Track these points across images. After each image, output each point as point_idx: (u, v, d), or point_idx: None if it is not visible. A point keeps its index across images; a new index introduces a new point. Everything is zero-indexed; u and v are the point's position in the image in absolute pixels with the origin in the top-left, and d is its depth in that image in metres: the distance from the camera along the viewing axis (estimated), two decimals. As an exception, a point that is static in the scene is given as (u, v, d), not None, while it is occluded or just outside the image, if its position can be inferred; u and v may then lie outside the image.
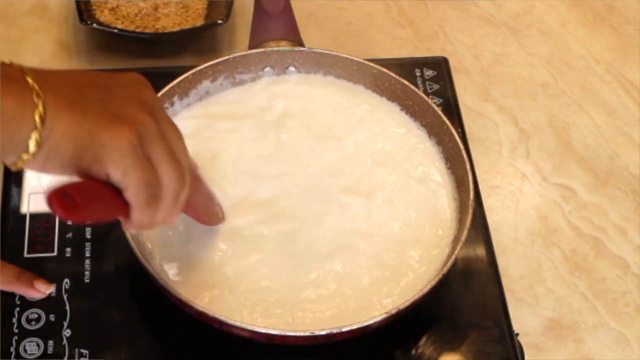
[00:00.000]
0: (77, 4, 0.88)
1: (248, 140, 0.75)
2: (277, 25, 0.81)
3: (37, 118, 0.45)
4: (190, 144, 0.56)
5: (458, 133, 0.73)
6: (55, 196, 0.47)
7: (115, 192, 0.50)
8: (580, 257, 0.81)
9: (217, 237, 0.68)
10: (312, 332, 0.62)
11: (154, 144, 0.50)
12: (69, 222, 0.48)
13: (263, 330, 0.61)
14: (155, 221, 0.53)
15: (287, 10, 0.83)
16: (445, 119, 0.73)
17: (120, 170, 0.48)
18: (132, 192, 0.49)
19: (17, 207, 0.73)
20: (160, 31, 0.90)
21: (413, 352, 0.69)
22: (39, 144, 0.45)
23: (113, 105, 0.49)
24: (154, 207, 0.51)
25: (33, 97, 0.45)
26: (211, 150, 0.73)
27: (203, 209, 0.66)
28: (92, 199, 0.49)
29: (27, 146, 0.45)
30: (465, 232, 0.66)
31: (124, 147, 0.48)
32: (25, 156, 0.46)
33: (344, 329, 0.61)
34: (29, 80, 0.46)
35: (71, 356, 0.66)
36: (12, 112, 0.44)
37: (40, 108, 0.45)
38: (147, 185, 0.50)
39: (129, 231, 0.53)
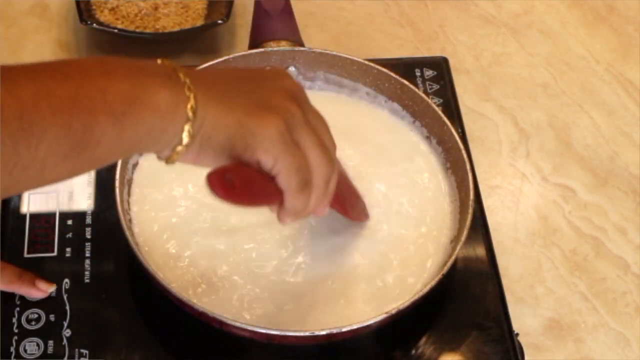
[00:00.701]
0: (77, 4, 0.88)
1: None
2: (277, 25, 0.81)
3: (189, 110, 0.47)
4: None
5: (458, 133, 0.73)
6: (216, 177, 0.48)
7: (268, 180, 0.51)
8: (580, 257, 0.81)
9: (216, 237, 0.68)
10: (312, 332, 0.62)
11: (301, 131, 0.51)
12: (227, 203, 0.49)
13: (263, 331, 0.61)
14: (308, 208, 0.53)
15: (287, 10, 0.83)
16: (445, 119, 0.73)
17: (272, 157, 0.49)
18: (284, 178, 0.51)
19: (17, 207, 0.73)
20: (160, 31, 0.90)
21: (413, 352, 0.69)
22: (192, 135, 0.47)
23: (259, 96, 0.51)
24: (306, 193, 0.52)
25: (185, 91, 0.47)
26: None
27: (350, 203, 0.67)
28: (248, 183, 0.50)
29: (181, 139, 0.47)
30: (465, 232, 0.66)
31: (273, 134, 0.49)
32: (179, 148, 0.48)
33: (344, 329, 0.61)
34: (181, 75, 0.47)
35: (71, 356, 0.66)
36: (166, 106, 0.46)
37: (192, 101, 0.47)
38: (298, 170, 0.51)
39: (285, 222, 0.54)
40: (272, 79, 0.53)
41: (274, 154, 0.49)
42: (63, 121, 0.42)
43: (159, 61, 0.49)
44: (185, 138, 0.47)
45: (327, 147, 0.53)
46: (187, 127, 0.47)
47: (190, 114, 0.47)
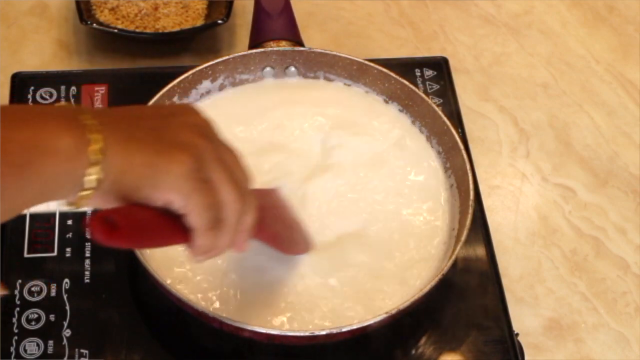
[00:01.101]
0: (77, 4, 0.88)
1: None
2: (277, 25, 0.81)
3: (94, 154, 0.45)
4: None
5: (458, 133, 0.73)
6: (96, 221, 0.47)
7: (172, 219, 0.50)
8: (580, 257, 0.81)
9: None
10: (312, 332, 0.62)
11: (212, 167, 0.50)
12: (112, 246, 0.47)
13: (263, 330, 0.61)
14: (220, 246, 0.52)
15: (287, 10, 0.83)
16: (445, 119, 0.73)
17: (182, 196, 0.48)
18: (195, 216, 0.49)
19: (17, 207, 0.73)
20: (160, 31, 0.90)
21: (413, 352, 0.69)
22: (99, 179, 0.46)
23: (168, 133, 0.49)
24: (217, 231, 0.51)
25: (88, 134, 0.45)
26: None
27: (283, 236, 0.65)
28: (139, 225, 0.49)
29: (88, 183, 0.46)
30: (465, 232, 0.66)
31: (183, 172, 0.48)
32: (85, 193, 0.46)
33: (344, 329, 0.61)
34: (83, 118, 0.46)
35: (71, 356, 0.66)
36: (68, 151, 0.44)
37: (98, 143, 0.45)
38: (209, 208, 0.50)
39: (197, 260, 0.52)
40: (180, 115, 0.52)
41: (184, 192, 0.48)
42: None
43: (62, 103, 0.47)
44: (93, 182, 0.46)
45: (239, 182, 0.52)
46: (94, 171, 0.45)
47: (95, 157, 0.45)
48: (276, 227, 0.63)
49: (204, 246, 0.51)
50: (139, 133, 0.48)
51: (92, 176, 0.45)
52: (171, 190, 0.48)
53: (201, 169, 0.49)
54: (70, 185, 0.46)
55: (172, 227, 0.50)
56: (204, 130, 0.52)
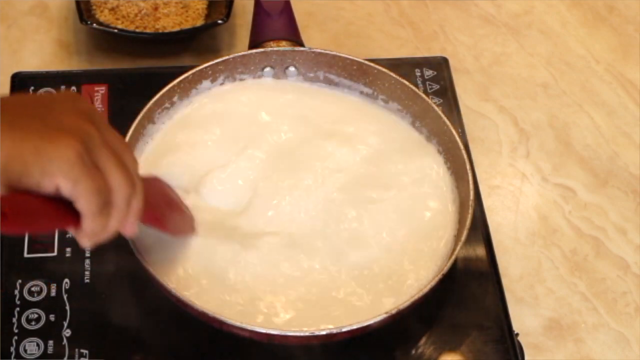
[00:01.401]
0: (77, 4, 0.88)
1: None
2: (277, 25, 0.81)
3: None
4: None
5: (458, 133, 0.73)
6: None
7: (60, 204, 0.50)
8: (580, 257, 0.81)
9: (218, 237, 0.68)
10: (312, 332, 0.62)
11: (99, 152, 0.50)
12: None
13: (263, 330, 0.61)
14: (109, 229, 0.53)
15: (287, 10, 0.83)
16: (445, 119, 0.73)
17: (71, 181, 0.48)
18: (84, 201, 0.49)
19: (17, 207, 0.73)
20: (160, 31, 0.90)
21: (413, 352, 0.69)
22: None
23: (53, 119, 0.50)
24: (105, 215, 0.51)
25: None
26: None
27: (169, 219, 0.65)
28: (26, 211, 0.49)
29: None
30: (465, 232, 0.66)
31: (71, 157, 0.48)
32: None
33: (344, 329, 0.61)
34: None
35: (71, 356, 0.66)
36: None
37: None
38: (98, 192, 0.50)
39: (85, 244, 0.53)
40: (63, 102, 0.52)
41: (73, 177, 0.48)
42: None
43: None
44: None
45: (127, 166, 0.52)
46: None
47: None
48: (162, 211, 0.63)
49: (92, 230, 0.52)
50: (23, 120, 0.48)
51: None
52: (59, 176, 0.48)
53: (89, 154, 0.49)
54: None
55: (61, 211, 0.50)
56: (90, 115, 0.52)
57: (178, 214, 0.67)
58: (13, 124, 0.48)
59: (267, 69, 0.79)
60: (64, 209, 0.50)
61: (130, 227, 0.55)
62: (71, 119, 0.50)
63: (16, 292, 0.69)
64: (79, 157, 0.48)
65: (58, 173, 0.48)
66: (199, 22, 0.92)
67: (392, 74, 0.77)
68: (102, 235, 0.53)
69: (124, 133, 0.70)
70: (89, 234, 0.52)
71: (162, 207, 0.64)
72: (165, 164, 0.72)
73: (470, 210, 0.67)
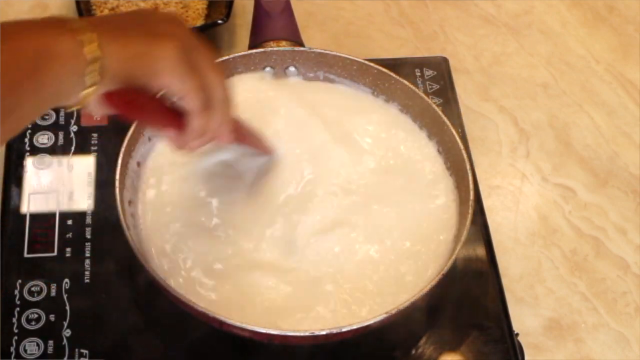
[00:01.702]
0: (77, 3, 0.89)
1: None
2: (277, 25, 0.81)
3: (92, 51, 0.49)
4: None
5: (458, 133, 0.73)
6: (114, 95, 0.52)
7: (165, 108, 0.56)
8: (580, 257, 0.81)
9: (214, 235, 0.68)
10: (312, 332, 0.62)
11: (197, 54, 0.55)
12: (125, 116, 0.56)
13: (263, 330, 0.61)
14: (211, 128, 0.57)
15: (287, 10, 0.83)
16: (445, 119, 0.73)
17: (178, 79, 0.53)
18: (190, 97, 0.54)
19: (17, 207, 0.73)
20: (160, 31, 0.90)
21: (413, 352, 0.69)
22: (100, 73, 0.49)
23: (151, 27, 0.54)
24: (210, 112, 0.56)
25: (83, 36, 0.49)
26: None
27: (254, 138, 0.70)
28: (139, 101, 0.55)
29: (90, 79, 0.49)
30: (465, 232, 0.66)
31: (174, 56, 0.52)
32: (89, 90, 0.50)
33: (344, 329, 0.61)
34: (72, 22, 0.50)
35: (71, 356, 0.66)
36: (70, 52, 0.48)
37: (94, 42, 0.49)
38: (202, 89, 0.55)
39: (193, 146, 0.58)
40: (158, 14, 0.57)
41: (179, 74, 0.53)
42: None
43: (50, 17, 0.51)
44: (94, 77, 0.49)
45: (221, 68, 0.57)
46: (92, 67, 0.49)
47: (92, 54, 0.49)
48: (247, 130, 0.68)
49: (199, 128, 0.56)
50: (127, 30, 0.53)
51: (93, 72, 0.49)
52: (167, 74, 0.53)
53: (188, 55, 0.54)
54: (75, 85, 0.49)
55: (167, 112, 0.56)
56: (183, 25, 0.56)
57: (257, 136, 0.71)
58: (120, 33, 0.52)
59: (267, 69, 0.79)
60: (169, 112, 0.56)
61: (228, 132, 0.60)
62: (168, 25, 0.54)
63: (16, 292, 0.69)
64: (181, 56, 0.53)
65: (164, 72, 0.52)
66: (199, 22, 0.92)
67: (392, 74, 0.77)
68: (207, 136, 0.57)
69: (123, 133, 0.70)
70: (196, 131, 0.56)
71: (245, 129, 0.68)
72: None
73: (470, 210, 0.67)
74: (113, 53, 0.50)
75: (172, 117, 0.56)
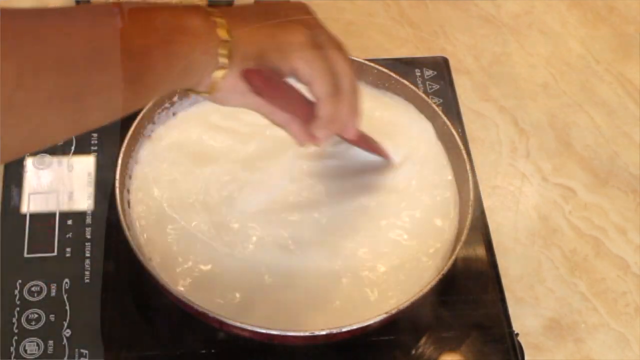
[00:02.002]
0: (77, 4, 0.88)
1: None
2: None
3: (222, 33, 0.50)
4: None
5: (458, 133, 0.73)
6: (253, 72, 0.53)
7: (298, 94, 0.56)
8: (580, 257, 0.81)
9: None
10: (312, 332, 0.62)
11: (326, 41, 0.55)
12: (261, 96, 0.55)
13: (263, 330, 0.61)
14: (339, 117, 0.56)
15: (287, 10, 0.83)
16: (445, 119, 0.73)
17: (306, 62, 0.53)
18: (320, 83, 0.54)
19: (17, 207, 0.73)
20: (160, 31, 0.90)
21: (413, 352, 0.69)
22: (229, 56, 0.50)
23: (279, 14, 0.55)
24: (338, 99, 0.55)
25: (215, 18, 0.51)
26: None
27: (372, 143, 0.70)
28: (276, 82, 0.55)
29: (222, 60, 0.51)
30: (465, 232, 0.66)
31: (303, 41, 0.53)
32: (220, 72, 0.51)
33: (344, 329, 0.61)
34: (205, 7, 0.51)
35: (71, 356, 0.66)
36: (202, 30, 0.50)
37: (224, 26, 0.50)
38: (331, 75, 0.54)
39: (319, 136, 0.56)
40: (284, 3, 0.57)
41: (308, 59, 0.53)
42: (124, 47, 0.45)
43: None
44: (225, 59, 0.50)
45: (349, 58, 0.57)
46: (224, 49, 0.50)
47: (223, 35, 0.50)
48: (364, 134, 0.67)
49: (328, 116, 0.55)
50: (256, 15, 0.54)
51: (224, 54, 0.50)
52: (296, 57, 0.53)
53: (316, 39, 0.54)
54: (206, 65, 0.51)
55: (299, 98, 0.56)
56: (310, 12, 0.57)
57: (375, 141, 0.70)
58: (249, 18, 0.53)
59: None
60: (300, 97, 0.56)
61: (353, 125, 0.58)
62: (295, 12, 0.55)
63: (16, 292, 0.69)
64: (310, 41, 0.54)
65: (294, 55, 0.53)
66: (199, 22, 0.92)
67: (392, 74, 0.77)
68: (335, 125, 0.56)
69: (123, 133, 0.70)
70: (325, 119, 0.55)
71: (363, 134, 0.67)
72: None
73: (470, 210, 0.67)
74: (243, 36, 0.51)
75: (302, 103, 0.56)
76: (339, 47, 0.56)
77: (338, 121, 0.57)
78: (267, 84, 0.54)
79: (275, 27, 0.53)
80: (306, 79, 0.54)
